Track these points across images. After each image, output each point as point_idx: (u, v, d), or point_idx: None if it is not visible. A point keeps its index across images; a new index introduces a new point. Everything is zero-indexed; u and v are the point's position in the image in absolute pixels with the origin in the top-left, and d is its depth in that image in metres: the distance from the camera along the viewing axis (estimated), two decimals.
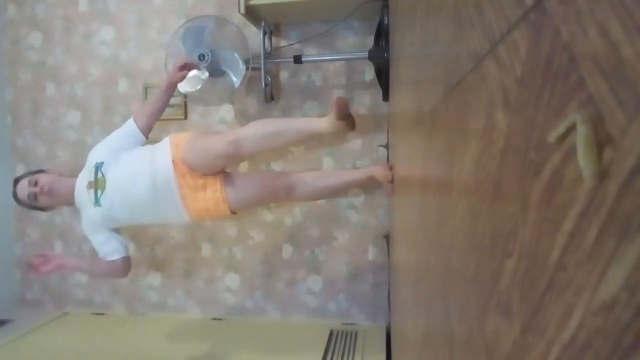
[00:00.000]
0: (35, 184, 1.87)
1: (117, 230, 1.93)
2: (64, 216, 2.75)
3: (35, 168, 2.12)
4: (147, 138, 1.95)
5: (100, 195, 1.80)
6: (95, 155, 1.90)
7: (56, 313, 2.70)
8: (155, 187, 1.76)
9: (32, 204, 1.91)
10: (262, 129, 1.82)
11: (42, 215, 2.79)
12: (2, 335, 2.38)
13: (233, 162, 1.85)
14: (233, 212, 1.87)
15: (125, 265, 1.89)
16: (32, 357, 2.18)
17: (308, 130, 1.87)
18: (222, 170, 1.86)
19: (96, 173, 1.83)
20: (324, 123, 1.81)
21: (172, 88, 1.95)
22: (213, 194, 1.79)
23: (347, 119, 1.82)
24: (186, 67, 1.92)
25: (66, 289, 2.81)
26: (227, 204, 1.80)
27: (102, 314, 2.72)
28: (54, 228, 2.79)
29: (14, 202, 2.81)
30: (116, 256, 1.86)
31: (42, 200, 1.88)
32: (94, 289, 2.77)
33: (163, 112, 1.98)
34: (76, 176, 1.93)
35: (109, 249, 1.87)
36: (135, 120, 1.92)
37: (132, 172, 1.79)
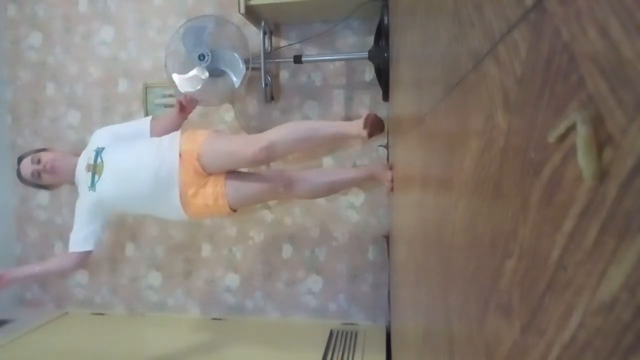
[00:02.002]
0: (39, 161, 1.87)
1: (101, 218, 1.92)
2: (64, 216, 2.75)
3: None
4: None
5: (97, 181, 1.80)
6: (98, 138, 1.90)
7: (56, 313, 2.70)
8: (157, 181, 1.75)
9: (36, 181, 1.92)
10: (293, 133, 1.80)
11: (42, 215, 2.79)
12: (2, 335, 2.38)
13: (259, 166, 1.84)
14: (233, 210, 1.87)
15: (81, 259, 1.90)
16: (32, 357, 2.18)
17: (338, 135, 1.88)
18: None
19: (96, 158, 1.83)
20: (354, 130, 1.81)
21: (182, 119, 1.99)
22: (213, 189, 1.79)
23: (378, 128, 1.83)
24: (187, 108, 1.95)
25: (66, 289, 2.81)
26: (226, 199, 1.80)
27: (102, 314, 2.72)
28: (53, 228, 2.79)
29: (14, 203, 2.82)
30: (78, 248, 1.87)
31: (45, 178, 1.89)
32: (94, 289, 2.77)
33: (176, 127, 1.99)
34: (79, 155, 1.93)
35: (80, 236, 1.87)
36: (153, 128, 1.93)
37: (135, 164, 1.77)
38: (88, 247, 1.88)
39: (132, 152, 1.81)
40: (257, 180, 1.88)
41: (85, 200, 1.86)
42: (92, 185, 1.81)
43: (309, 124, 1.98)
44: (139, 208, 1.89)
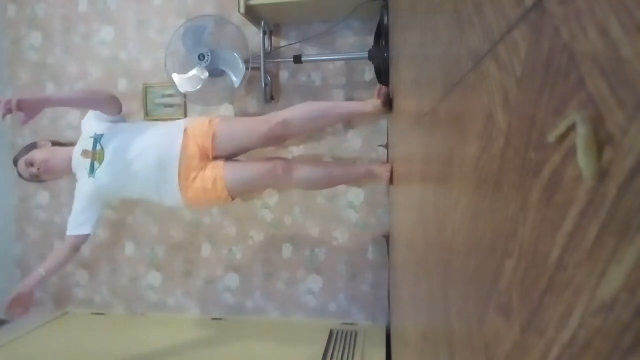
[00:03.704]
0: (32, 164, 1.88)
1: (100, 204, 1.93)
2: (63, 216, 2.75)
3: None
4: (118, 113, 1.92)
5: (97, 168, 1.81)
6: (91, 125, 1.90)
7: (56, 313, 2.70)
8: (160, 164, 1.77)
9: (37, 181, 1.97)
10: (309, 110, 1.87)
11: (42, 215, 2.79)
12: (2, 335, 2.38)
13: (272, 144, 1.90)
14: (232, 198, 1.87)
15: (79, 242, 1.90)
16: (32, 357, 2.18)
17: (352, 114, 2.00)
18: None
19: (95, 145, 1.83)
20: (368, 107, 1.91)
21: (51, 104, 1.72)
22: (212, 172, 1.80)
23: (389, 104, 1.92)
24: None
25: (66, 289, 2.81)
26: (224, 182, 1.80)
27: (102, 314, 2.72)
28: (53, 228, 2.79)
29: (14, 203, 2.81)
30: (76, 232, 1.89)
31: (43, 177, 1.92)
32: (94, 289, 2.77)
33: (87, 100, 1.86)
34: (73, 144, 1.93)
35: (78, 220, 1.89)
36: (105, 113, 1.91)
37: (138, 149, 1.78)
38: (86, 231, 1.89)
39: (135, 135, 1.82)
40: (255, 163, 1.89)
41: (84, 186, 1.87)
42: (92, 172, 1.82)
43: (323, 104, 2.04)
44: (139, 192, 1.88)
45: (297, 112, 1.86)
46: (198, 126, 1.84)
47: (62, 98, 1.89)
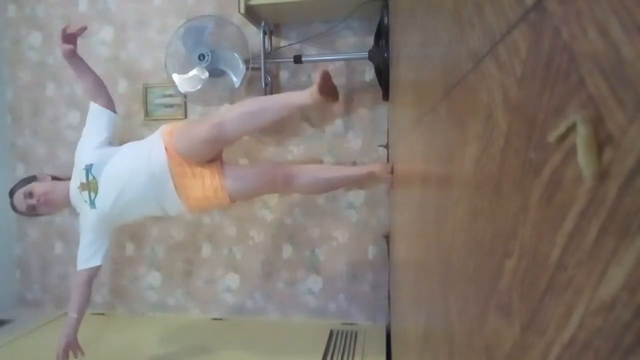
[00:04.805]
0: (31, 195, 1.85)
1: (107, 232, 1.92)
2: (64, 216, 2.75)
3: (28, 174, 2.09)
4: (115, 111, 1.96)
5: (95, 198, 1.80)
6: (82, 155, 1.89)
7: (56, 313, 2.70)
8: (153, 179, 1.76)
9: (32, 214, 1.93)
10: (244, 108, 1.82)
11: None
12: (2, 335, 2.38)
13: (220, 146, 1.83)
14: (233, 201, 1.87)
15: (92, 274, 1.90)
16: (32, 357, 2.18)
17: (290, 104, 1.85)
18: (216, 156, 1.85)
19: (87, 175, 1.82)
20: (305, 95, 1.79)
21: (72, 57, 1.99)
22: (211, 181, 1.78)
23: (330, 92, 1.81)
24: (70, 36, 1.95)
25: (66, 289, 2.80)
26: (225, 190, 1.80)
27: (102, 314, 2.72)
28: (54, 228, 2.79)
29: None
30: (86, 265, 1.87)
31: (41, 210, 1.89)
32: (94, 289, 2.76)
33: (96, 77, 2.00)
34: (69, 178, 1.92)
35: (87, 253, 1.87)
36: (95, 100, 1.95)
37: (127, 170, 1.78)
38: (96, 263, 1.88)
39: (120, 159, 1.81)
40: (256, 172, 1.88)
41: (87, 218, 1.85)
42: (92, 203, 1.81)
43: (260, 99, 1.99)
44: (142, 211, 1.89)
45: (233, 111, 1.81)
46: (167, 135, 1.81)
47: (84, 64, 2.03)
